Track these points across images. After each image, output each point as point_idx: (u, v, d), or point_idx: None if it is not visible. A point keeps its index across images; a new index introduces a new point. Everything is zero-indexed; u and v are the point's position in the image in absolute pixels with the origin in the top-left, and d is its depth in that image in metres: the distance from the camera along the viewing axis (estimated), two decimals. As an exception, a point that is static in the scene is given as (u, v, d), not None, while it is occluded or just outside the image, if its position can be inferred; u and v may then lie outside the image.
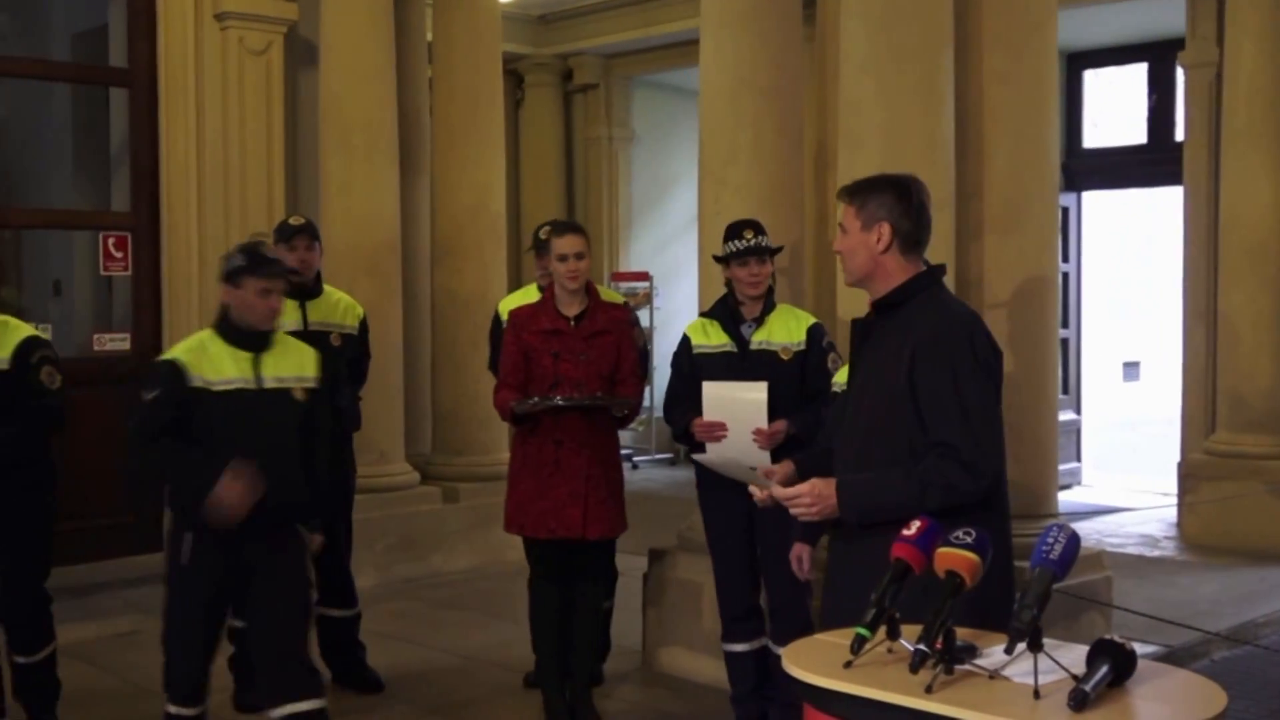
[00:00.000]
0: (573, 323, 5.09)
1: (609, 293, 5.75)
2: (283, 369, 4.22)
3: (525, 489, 5.13)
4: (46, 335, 5.06)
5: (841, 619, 2.93)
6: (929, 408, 3.11)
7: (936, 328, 3.16)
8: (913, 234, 3.25)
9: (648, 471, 12.78)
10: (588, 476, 5.05)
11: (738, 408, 4.67)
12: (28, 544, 4.86)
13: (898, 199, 3.25)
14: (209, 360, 4.11)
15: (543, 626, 5.26)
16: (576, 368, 5.04)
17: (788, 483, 3.36)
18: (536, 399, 4.98)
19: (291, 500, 4.22)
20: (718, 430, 4.68)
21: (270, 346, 4.22)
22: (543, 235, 5.70)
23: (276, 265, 4.26)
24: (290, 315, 5.47)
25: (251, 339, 4.17)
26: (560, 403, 4.95)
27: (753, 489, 3.56)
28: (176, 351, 4.18)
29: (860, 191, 3.30)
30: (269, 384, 4.17)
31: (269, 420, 4.15)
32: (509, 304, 5.79)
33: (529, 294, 5.78)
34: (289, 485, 4.18)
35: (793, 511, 3.22)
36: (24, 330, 4.85)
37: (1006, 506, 3.32)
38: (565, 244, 5.07)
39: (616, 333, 5.18)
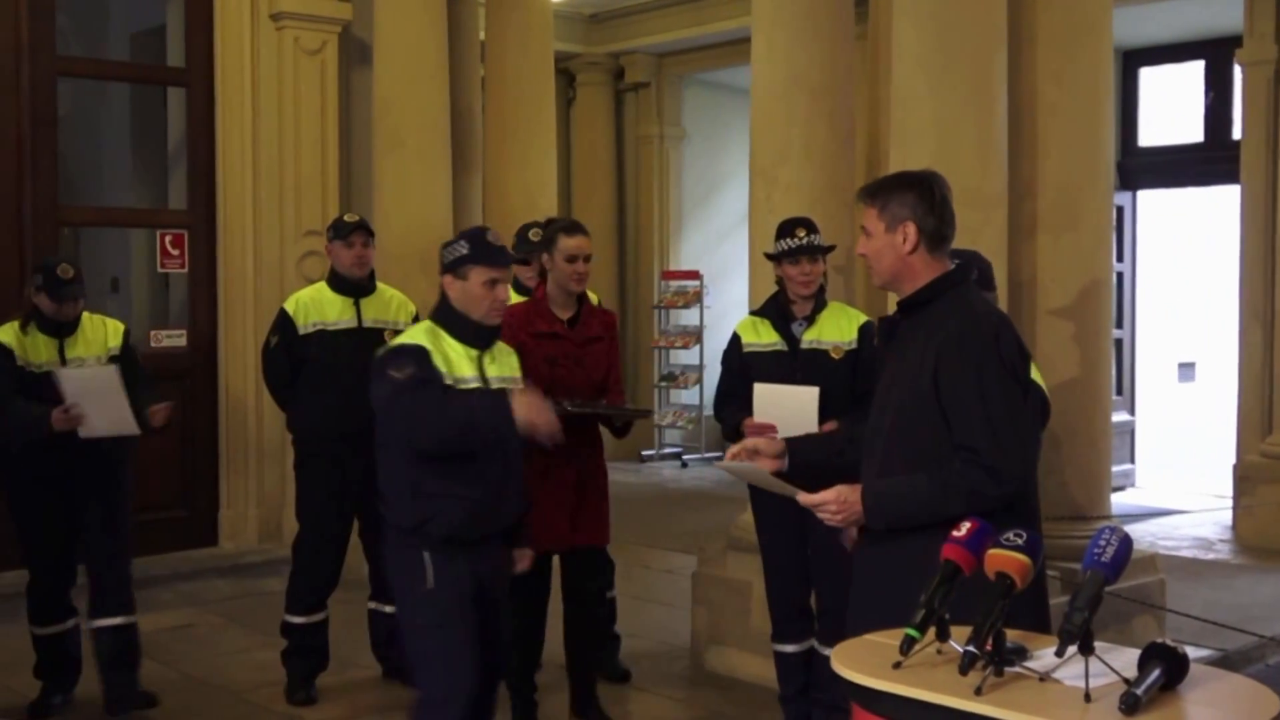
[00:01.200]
0: (568, 326, 4.98)
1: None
2: (504, 369, 3.95)
3: None
4: None
5: (866, 619, 2.94)
6: (953, 410, 3.09)
7: (961, 328, 3.12)
8: (938, 231, 3.21)
9: (697, 470, 12.78)
10: (576, 486, 4.95)
11: (789, 410, 4.65)
12: (124, 507, 5.28)
13: (920, 197, 3.21)
14: (441, 353, 3.81)
15: (533, 644, 5.12)
16: (572, 374, 4.90)
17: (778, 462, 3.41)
18: (552, 404, 4.79)
19: (522, 509, 4.02)
20: (768, 432, 4.67)
21: (491, 345, 3.93)
22: (533, 236, 5.62)
23: (504, 253, 3.92)
24: (345, 313, 5.53)
25: (480, 336, 3.86)
26: (571, 408, 4.65)
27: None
28: (418, 337, 3.85)
29: (881, 192, 3.25)
30: (495, 385, 3.87)
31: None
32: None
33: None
34: (520, 493, 3.97)
35: (819, 517, 3.22)
36: (117, 322, 5.44)
37: (1036, 509, 3.29)
38: (578, 244, 4.89)
39: (608, 339, 5.12)
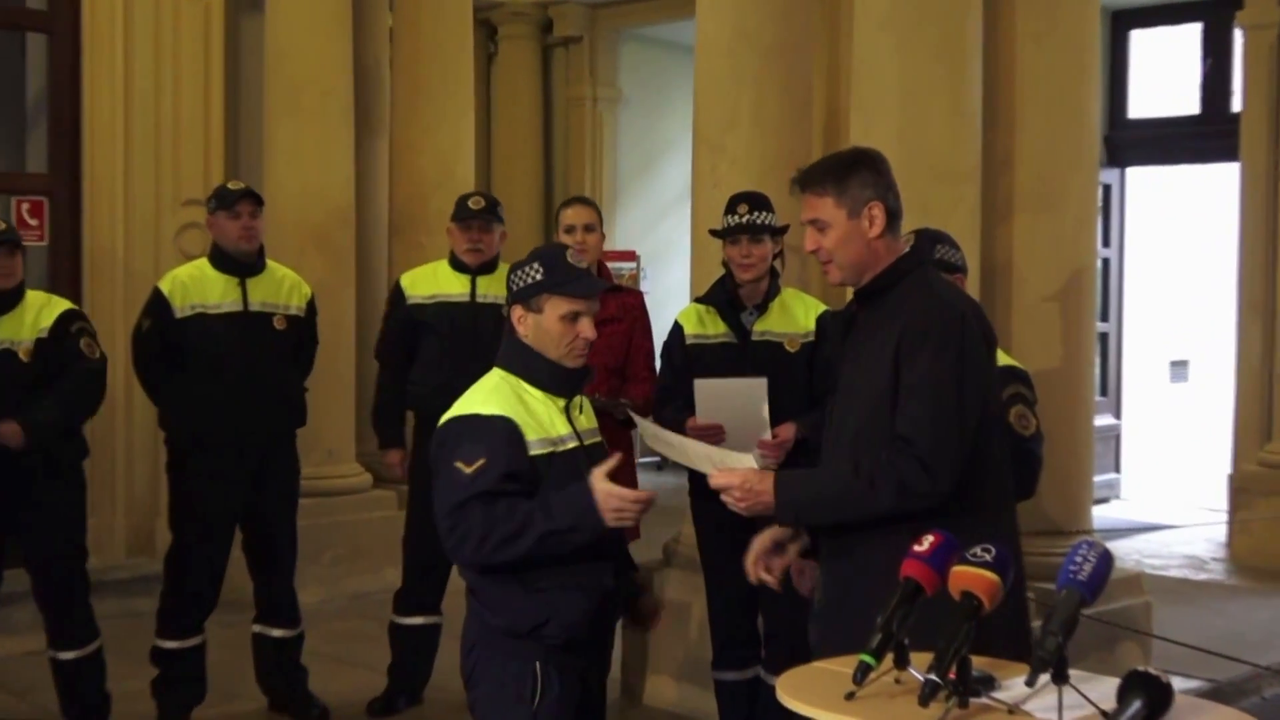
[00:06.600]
0: None
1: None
2: (590, 419, 3.61)
3: None
4: None
5: (833, 647, 2.95)
6: (902, 398, 3.14)
7: (926, 316, 3.17)
8: (898, 210, 3.28)
9: (632, 477, 12.78)
10: None
11: (735, 406, 4.68)
12: (74, 528, 5.42)
13: (876, 174, 3.26)
14: (529, 413, 3.40)
15: None
16: None
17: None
18: None
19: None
20: (714, 434, 4.69)
21: (578, 390, 3.55)
22: (473, 205, 5.75)
23: (589, 279, 3.52)
24: (228, 294, 5.49)
25: (565, 380, 3.46)
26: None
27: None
28: (494, 400, 3.38)
29: (833, 176, 3.27)
30: (588, 440, 3.53)
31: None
32: (414, 280, 5.85)
33: (437, 269, 5.84)
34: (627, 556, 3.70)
35: (724, 501, 3.25)
36: (64, 304, 5.40)
37: (1014, 520, 3.33)
38: (573, 214, 5.36)
39: (628, 321, 5.19)
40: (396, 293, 5.89)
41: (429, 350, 5.71)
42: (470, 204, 5.78)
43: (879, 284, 3.26)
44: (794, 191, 3.38)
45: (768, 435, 4.65)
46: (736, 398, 4.70)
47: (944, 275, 3.66)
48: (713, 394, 4.74)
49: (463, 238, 5.74)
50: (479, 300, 5.71)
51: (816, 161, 3.49)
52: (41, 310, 5.27)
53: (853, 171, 3.26)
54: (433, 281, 5.79)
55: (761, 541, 3.43)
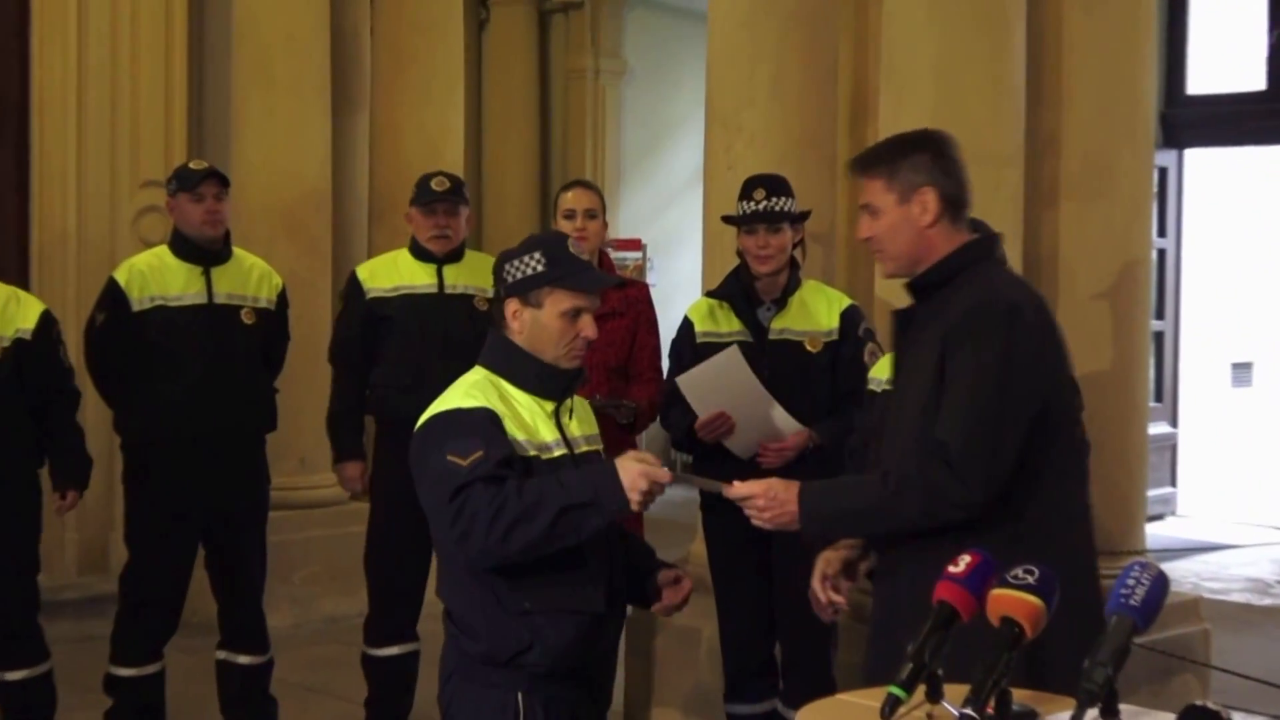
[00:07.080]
0: None
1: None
2: (586, 425, 3.62)
3: None
4: None
5: (877, 676, 2.95)
6: (944, 399, 3.15)
7: (971, 308, 3.18)
8: (958, 196, 3.30)
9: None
10: None
11: (726, 388, 4.73)
12: (26, 538, 5.39)
13: (935, 157, 3.29)
14: (513, 414, 3.41)
15: None
16: None
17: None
18: None
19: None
20: (723, 424, 4.70)
21: (569, 395, 3.55)
22: (437, 186, 5.69)
23: (594, 273, 3.54)
24: (191, 284, 5.50)
25: (554, 383, 3.47)
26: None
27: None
28: (477, 395, 3.39)
29: (884, 158, 3.32)
30: (581, 449, 3.53)
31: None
32: (373, 271, 5.82)
33: (397, 259, 5.81)
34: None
35: (747, 514, 3.27)
36: (36, 301, 5.45)
37: (1084, 537, 3.33)
38: (573, 199, 5.37)
39: (631, 316, 5.21)
40: (353, 286, 5.81)
41: (392, 348, 5.67)
42: (433, 185, 5.71)
43: (932, 277, 3.28)
44: (851, 173, 3.43)
45: (766, 398, 4.69)
46: (720, 379, 4.75)
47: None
48: (697, 385, 4.79)
49: (427, 223, 5.70)
50: (447, 291, 5.69)
51: (878, 142, 3.53)
52: (9, 304, 5.24)
53: (907, 154, 3.31)
54: (394, 272, 5.74)
55: (829, 562, 3.44)
